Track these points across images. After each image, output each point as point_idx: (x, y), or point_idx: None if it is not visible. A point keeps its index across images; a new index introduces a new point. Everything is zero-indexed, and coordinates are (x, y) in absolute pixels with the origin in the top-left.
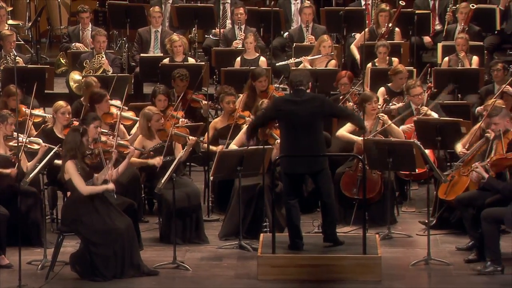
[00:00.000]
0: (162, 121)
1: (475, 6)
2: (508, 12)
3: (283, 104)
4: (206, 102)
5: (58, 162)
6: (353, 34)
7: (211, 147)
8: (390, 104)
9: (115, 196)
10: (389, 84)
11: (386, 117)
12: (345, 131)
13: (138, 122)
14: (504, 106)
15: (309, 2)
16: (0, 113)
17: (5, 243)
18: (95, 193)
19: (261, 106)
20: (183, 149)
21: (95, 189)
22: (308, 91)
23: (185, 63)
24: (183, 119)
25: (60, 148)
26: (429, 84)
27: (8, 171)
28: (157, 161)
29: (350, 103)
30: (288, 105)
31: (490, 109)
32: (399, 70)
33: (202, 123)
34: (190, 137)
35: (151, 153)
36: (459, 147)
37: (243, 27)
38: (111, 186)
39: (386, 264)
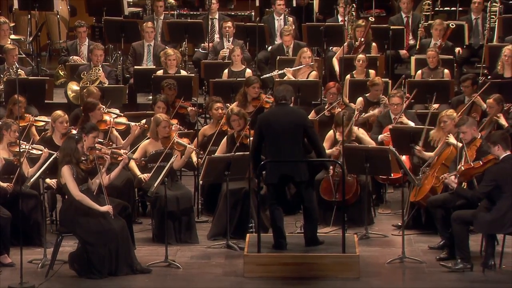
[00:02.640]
0: (168, 130)
1: (454, 25)
2: (477, 28)
3: (267, 117)
4: (192, 108)
5: (49, 181)
6: (330, 48)
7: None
8: (364, 114)
9: (112, 217)
10: (366, 95)
11: (357, 131)
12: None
13: (132, 125)
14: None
15: (290, 23)
16: (5, 121)
17: (9, 243)
18: (86, 204)
19: (231, 112)
20: (181, 157)
21: (88, 201)
22: (291, 105)
23: (176, 75)
24: (176, 125)
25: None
26: (408, 94)
27: (4, 185)
28: (143, 176)
29: (338, 109)
30: (272, 118)
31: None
32: (376, 83)
33: (192, 130)
34: (189, 146)
35: (143, 162)
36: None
37: (231, 39)
38: (105, 208)
39: (363, 262)
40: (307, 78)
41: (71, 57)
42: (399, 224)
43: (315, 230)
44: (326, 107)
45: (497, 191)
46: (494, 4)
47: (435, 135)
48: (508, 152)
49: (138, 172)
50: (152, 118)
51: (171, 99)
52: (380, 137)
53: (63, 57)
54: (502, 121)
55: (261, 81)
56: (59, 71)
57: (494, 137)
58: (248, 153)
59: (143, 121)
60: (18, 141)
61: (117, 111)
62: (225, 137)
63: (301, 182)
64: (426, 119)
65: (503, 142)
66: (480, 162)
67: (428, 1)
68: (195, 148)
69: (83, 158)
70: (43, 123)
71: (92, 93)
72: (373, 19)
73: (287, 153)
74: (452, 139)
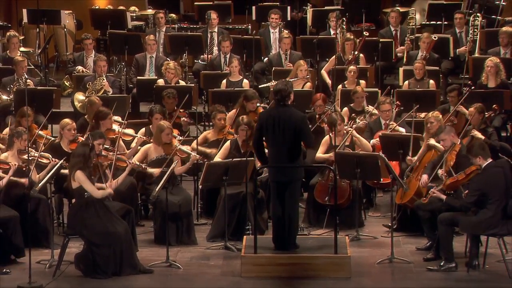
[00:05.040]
0: (171, 136)
1: (437, 37)
2: (461, 40)
3: (268, 115)
4: (185, 119)
5: (64, 171)
6: (327, 59)
7: (204, 149)
8: (357, 122)
9: (111, 199)
10: (351, 104)
11: (354, 132)
12: (320, 153)
13: (137, 137)
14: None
15: (287, 32)
16: (16, 130)
17: (22, 243)
18: (100, 198)
19: (242, 121)
20: (182, 164)
21: (103, 193)
22: (290, 102)
23: (176, 85)
24: (179, 137)
25: (65, 162)
26: (397, 102)
27: (22, 180)
28: (156, 171)
29: (325, 124)
30: (272, 117)
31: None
32: (356, 90)
33: (191, 137)
34: (193, 154)
35: (145, 167)
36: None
37: (228, 56)
38: (109, 191)
39: (355, 262)
40: (302, 88)
41: (76, 67)
42: (389, 224)
43: (294, 235)
44: (316, 117)
45: (484, 198)
46: (476, 18)
47: (427, 138)
48: (490, 160)
49: (148, 170)
50: (156, 125)
51: (171, 108)
52: (372, 141)
53: (69, 68)
54: (479, 135)
55: (258, 94)
56: (65, 81)
57: (473, 150)
58: (245, 159)
59: (142, 130)
60: (27, 148)
61: (119, 118)
62: (229, 142)
63: (291, 182)
64: (415, 127)
65: (482, 152)
66: (463, 174)
67: (414, 16)
68: (199, 157)
69: (92, 165)
70: (45, 139)
71: (94, 104)
72: (368, 34)
73: (284, 153)
74: (433, 142)
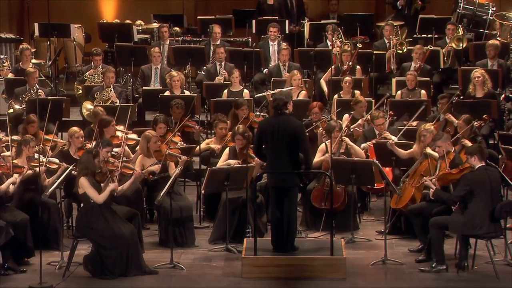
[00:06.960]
0: (159, 144)
1: (431, 47)
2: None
3: (267, 123)
4: (197, 128)
5: (75, 174)
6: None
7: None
8: (351, 129)
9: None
10: (352, 112)
11: (348, 139)
12: (316, 158)
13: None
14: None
15: (285, 44)
16: (24, 138)
17: (31, 245)
18: (106, 199)
19: (237, 131)
20: (175, 167)
21: (105, 193)
22: (288, 111)
23: (181, 94)
24: (180, 143)
25: (75, 167)
26: (390, 112)
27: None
28: (155, 168)
29: (320, 129)
30: (270, 128)
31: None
32: (359, 100)
33: (194, 144)
34: (182, 157)
35: (151, 176)
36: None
37: (223, 63)
38: (114, 185)
39: (350, 264)
40: (297, 97)
41: (87, 73)
42: (382, 230)
43: (293, 237)
44: (313, 123)
45: (470, 196)
46: (458, 31)
47: (416, 148)
48: (483, 163)
49: (148, 168)
50: (141, 136)
51: (178, 117)
52: (363, 145)
53: (79, 78)
54: (469, 144)
55: (249, 102)
56: (76, 86)
57: (471, 149)
58: (245, 165)
59: None
60: (36, 155)
61: (122, 127)
62: (227, 149)
63: (290, 188)
64: (408, 134)
65: (479, 153)
66: (457, 169)
67: (398, 28)
68: (188, 158)
69: (98, 171)
70: (52, 142)
71: (98, 114)
72: (361, 46)
73: (283, 160)
74: (429, 151)
